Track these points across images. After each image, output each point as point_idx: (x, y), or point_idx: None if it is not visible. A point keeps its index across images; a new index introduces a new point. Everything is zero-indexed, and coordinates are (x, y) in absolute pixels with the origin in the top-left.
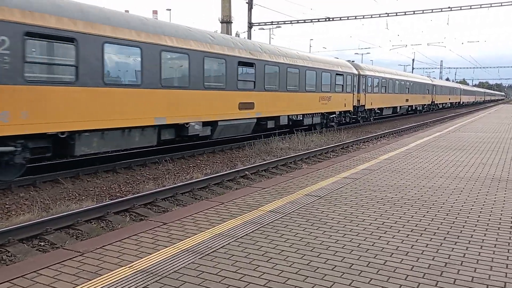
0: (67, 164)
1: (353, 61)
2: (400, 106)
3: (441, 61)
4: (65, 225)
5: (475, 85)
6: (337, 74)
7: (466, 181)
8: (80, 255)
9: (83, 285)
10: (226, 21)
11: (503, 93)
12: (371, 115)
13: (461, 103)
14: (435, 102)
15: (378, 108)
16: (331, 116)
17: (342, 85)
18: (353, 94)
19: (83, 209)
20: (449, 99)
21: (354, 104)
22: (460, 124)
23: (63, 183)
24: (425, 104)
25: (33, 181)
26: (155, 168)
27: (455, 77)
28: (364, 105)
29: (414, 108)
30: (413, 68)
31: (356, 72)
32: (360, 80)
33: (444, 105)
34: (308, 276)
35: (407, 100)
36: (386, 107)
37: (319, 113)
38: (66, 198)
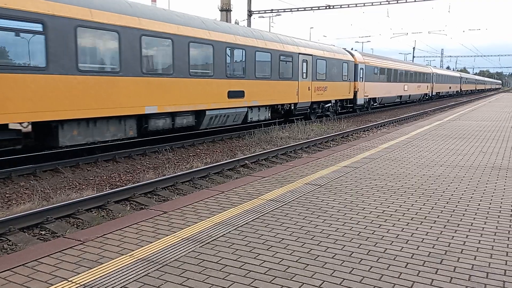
0: (66, 153)
1: (427, 65)
2: (447, 92)
3: (442, 49)
4: (66, 214)
5: (475, 74)
6: (423, 73)
7: (467, 169)
8: (81, 244)
9: (84, 273)
10: (226, 9)
11: (499, 81)
12: (435, 96)
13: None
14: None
15: (437, 92)
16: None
17: (426, 78)
18: (430, 84)
19: (84, 198)
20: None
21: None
22: (460, 113)
23: (63, 172)
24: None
25: (33, 170)
26: (155, 158)
27: (456, 65)
28: (434, 90)
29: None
30: (413, 57)
31: (430, 71)
32: (433, 75)
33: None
34: (308, 264)
35: (450, 88)
36: (441, 92)
37: (416, 94)
38: (67, 187)
